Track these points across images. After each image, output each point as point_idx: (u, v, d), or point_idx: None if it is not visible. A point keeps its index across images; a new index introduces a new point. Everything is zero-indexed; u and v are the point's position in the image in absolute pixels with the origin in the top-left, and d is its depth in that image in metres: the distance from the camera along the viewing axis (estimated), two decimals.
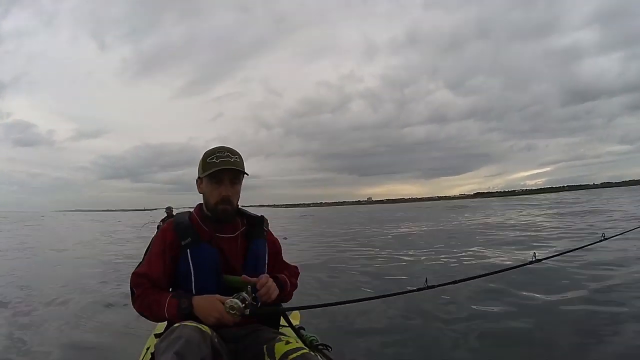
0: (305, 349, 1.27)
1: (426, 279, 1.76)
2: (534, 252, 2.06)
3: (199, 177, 1.51)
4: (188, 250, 1.43)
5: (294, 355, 1.21)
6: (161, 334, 1.39)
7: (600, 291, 3.95)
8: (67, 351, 2.97)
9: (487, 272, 2.19)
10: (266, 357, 1.28)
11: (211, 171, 1.42)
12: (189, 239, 1.44)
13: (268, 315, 1.54)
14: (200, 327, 1.20)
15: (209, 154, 1.46)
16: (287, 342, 1.29)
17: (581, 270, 4.95)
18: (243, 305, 1.29)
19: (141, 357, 1.67)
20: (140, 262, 1.49)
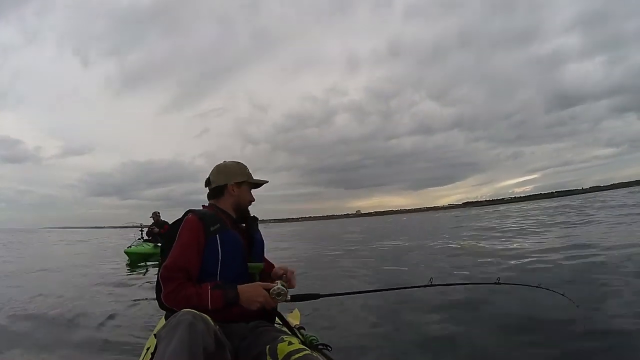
0: (307, 350, 1.27)
1: (431, 278, 1.82)
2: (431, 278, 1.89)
3: (236, 183, 1.67)
4: (217, 236, 1.48)
5: (297, 356, 1.22)
6: None
7: None
8: (67, 352, 2.92)
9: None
10: (268, 357, 1.28)
11: (261, 183, 1.75)
12: (218, 225, 1.50)
13: (303, 299, 1.62)
14: (203, 315, 1.18)
15: (244, 166, 1.74)
16: (290, 343, 1.29)
17: None
18: (287, 290, 1.42)
19: (141, 358, 1.65)
20: (167, 255, 1.46)
